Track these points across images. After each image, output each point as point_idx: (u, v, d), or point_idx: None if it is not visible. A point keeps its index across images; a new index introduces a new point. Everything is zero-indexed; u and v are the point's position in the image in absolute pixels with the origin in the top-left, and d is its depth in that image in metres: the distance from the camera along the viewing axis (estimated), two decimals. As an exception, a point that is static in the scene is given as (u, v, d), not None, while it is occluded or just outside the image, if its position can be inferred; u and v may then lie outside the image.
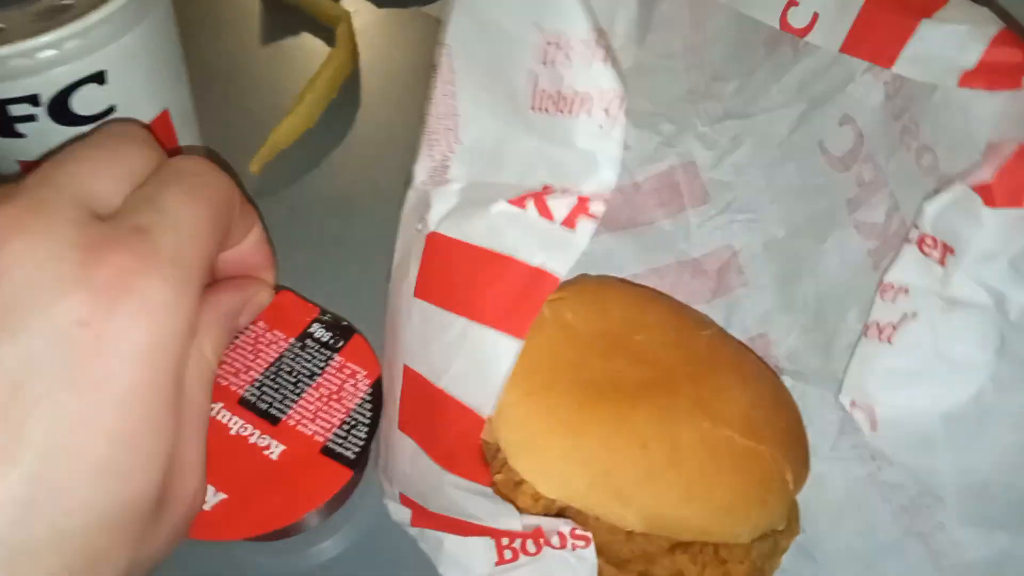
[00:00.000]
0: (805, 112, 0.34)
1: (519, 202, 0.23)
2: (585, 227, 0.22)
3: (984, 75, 0.25)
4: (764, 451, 0.26)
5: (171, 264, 0.20)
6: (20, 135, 0.31)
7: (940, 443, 0.28)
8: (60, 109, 0.31)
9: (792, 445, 0.28)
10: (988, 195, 0.25)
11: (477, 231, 0.24)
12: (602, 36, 0.22)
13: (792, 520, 0.28)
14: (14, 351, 0.18)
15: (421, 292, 0.25)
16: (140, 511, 0.20)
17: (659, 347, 0.28)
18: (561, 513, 0.26)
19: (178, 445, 0.21)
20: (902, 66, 0.27)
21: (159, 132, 0.35)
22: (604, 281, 0.33)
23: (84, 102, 0.31)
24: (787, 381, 0.34)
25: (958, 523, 0.28)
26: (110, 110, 0.32)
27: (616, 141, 0.22)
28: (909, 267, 0.27)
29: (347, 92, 0.47)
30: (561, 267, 0.22)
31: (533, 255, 0.22)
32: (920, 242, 0.26)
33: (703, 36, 0.35)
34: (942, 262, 0.26)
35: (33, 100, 0.30)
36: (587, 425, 0.26)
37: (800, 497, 0.31)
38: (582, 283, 0.32)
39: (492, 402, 0.24)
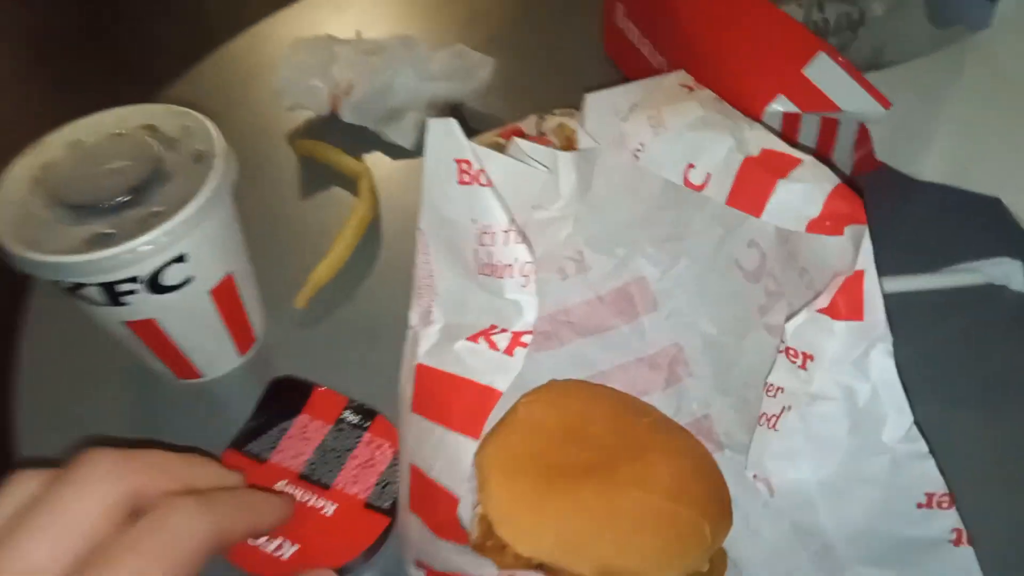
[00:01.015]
0: (723, 236, 0.43)
1: (474, 339, 0.32)
2: (520, 353, 0.31)
3: (823, 223, 0.34)
4: (684, 512, 0.34)
5: None
6: (125, 304, 0.42)
7: (819, 503, 0.35)
8: (153, 283, 0.41)
9: (710, 505, 0.36)
10: (835, 312, 0.33)
11: (447, 361, 0.33)
12: (514, 224, 0.31)
13: (717, 563, 0.36)
14: None
15: (416, 408, 0.34)
16: None
17: (606, 435, 0.37)
18: (538, 567, 0.35)
19: None
20: (767, 215, 0.35)
21: (224, 292, 0.46)
22: (568, 384, 0.41)
23: (170, 276, 0.42)
24: (728, 453, 0.42)
25: (853, 564, 0.36)
26: (189, 279, 0.43)
27: (531, 292, 0.31)
28: (782, 371, 0.35)
29: (371, 233, 0.57)
30: (503, 384, 0.31)
31: (484, 376, 0.31)
32: (787, 352, 0.34)
33: (640, 178, 0.44)
34: (803, 367, 0.34)
35: (134, 280, 0.41)
36: (548, 501, 0.34)
37: (739, 547, 0.38)
38: (550, 387, 0.41)
39: (463, 486, 0.32)
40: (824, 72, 0.47)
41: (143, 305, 0.43)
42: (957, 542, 0.33)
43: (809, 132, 0.51)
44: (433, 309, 0.36)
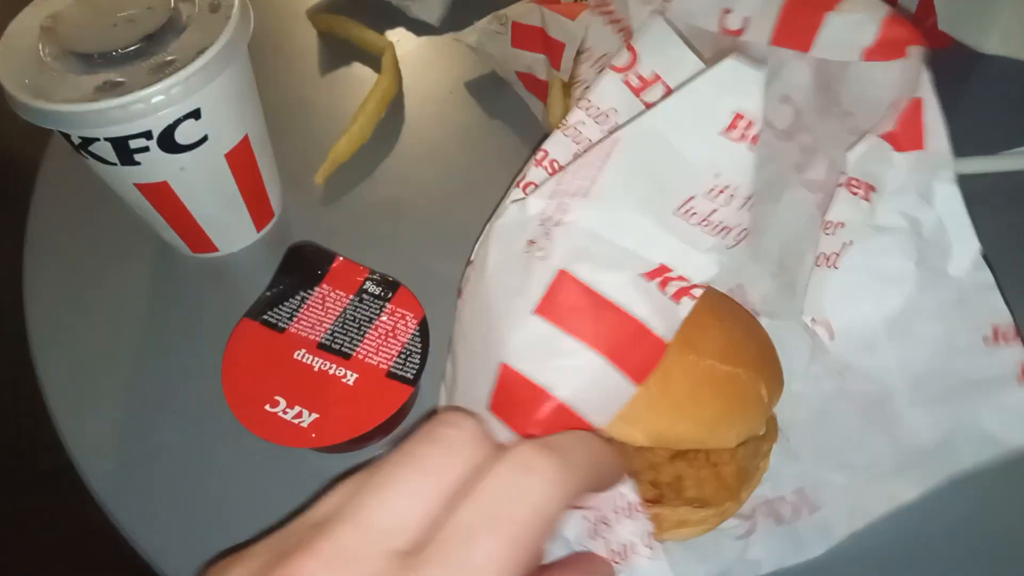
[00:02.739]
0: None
1: (648, 276, 0.28)
2: (687, 304, 0.29)
3: (881, 49, 0.32)
4: (741, 374, 0.32)
5: None
6: (137, 163, 0.41)
7: (883, 343, 0.34)
8: (167, 141, 0.40)
9: (765, 367, 0.34)
10: (896, 142, 0.32)
11: (608, 285, 0.28)
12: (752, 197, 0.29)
13: (771, 427, 0.35)
14: None
15: (543, 311, 0.28)
16: None
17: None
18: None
19: None
20: (818, 50, 0.33)
21: (241, 157, 0.44)
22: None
23: (184, 134, 0.40)
24: (764, 321, 0.40)
25: (909, 407, 0.34)
26: (204, 139, 0.41)
27: (727, 255, 0.29)
28: (843, 206, 0.33)
29: (393, 110, 0.55)
30: (667, 332, 0.28)
31: (650, 319, 0.28)
32: (848, 184, 0.33)
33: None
34: (867, 198, 0.32)
35: (147, 135, 0.39)
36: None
37: (782, 412, 0.37)
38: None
39: (607, 421, 0.28)
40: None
41: (156, 165, 0.41)
42: (1023, 377, 0.32)
43: None
44: (571, 207, 0.30)
